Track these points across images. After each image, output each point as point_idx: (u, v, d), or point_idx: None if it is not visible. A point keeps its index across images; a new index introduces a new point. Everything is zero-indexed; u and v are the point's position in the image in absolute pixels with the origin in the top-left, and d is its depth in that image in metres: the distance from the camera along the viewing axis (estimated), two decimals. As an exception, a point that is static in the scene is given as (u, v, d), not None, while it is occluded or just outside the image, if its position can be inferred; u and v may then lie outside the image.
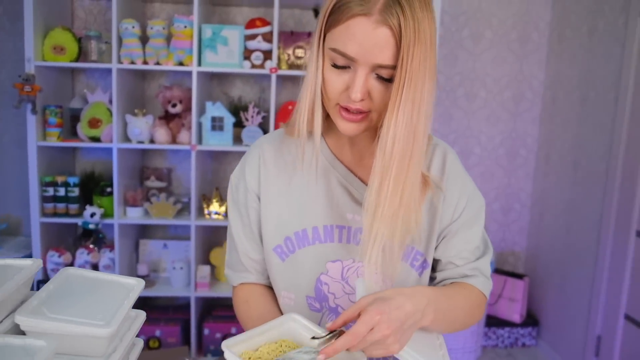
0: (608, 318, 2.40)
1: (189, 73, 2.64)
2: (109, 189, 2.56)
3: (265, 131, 2.57)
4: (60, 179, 2.48)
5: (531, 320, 2.99)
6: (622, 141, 2.31)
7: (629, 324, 2.28)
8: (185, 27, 2.41)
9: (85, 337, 0.69)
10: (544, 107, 3.05)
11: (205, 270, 2.60)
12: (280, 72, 2.47)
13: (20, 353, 0.61)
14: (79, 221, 2.49)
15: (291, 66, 2.59)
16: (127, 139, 2.53)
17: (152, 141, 2.52)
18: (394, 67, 0.71)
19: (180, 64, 2.45)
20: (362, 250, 0.80)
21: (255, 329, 0.74)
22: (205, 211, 2.58)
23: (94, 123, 2.47)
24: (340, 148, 0.89)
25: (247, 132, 2.52)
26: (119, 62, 2.41)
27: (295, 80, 2.83)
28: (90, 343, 0.70)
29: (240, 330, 2.60)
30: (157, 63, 2.45)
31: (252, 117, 2.55)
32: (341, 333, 0.69)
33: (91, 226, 2.48)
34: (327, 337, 0.70)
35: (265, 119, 2.61)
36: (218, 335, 2.63)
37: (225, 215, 2.59)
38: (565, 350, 2.71)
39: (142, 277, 2.58)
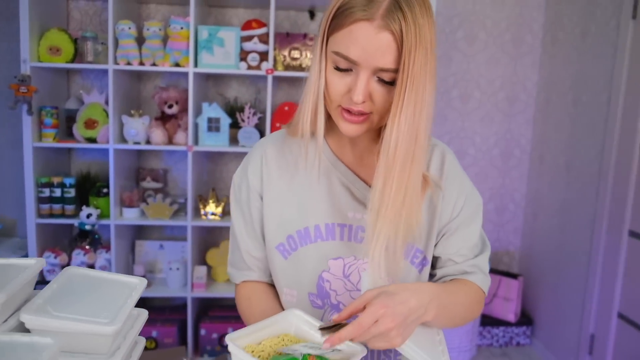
0: (601, 317, 2.42)
1: (185, 74, 2.65)
2: (105, 190, 2.56)
3: (261, 132, 2.58)
4: (56, 180, 2.48)
5: (525, 319, 3.02)
6: (614, 142, 2.34)
7: (622, 322, 2.31)
8: (182, 28, 2.42)
9: (90, 335, 0.70)
10: (537, 108, 3.08)
11: (201, 270, 2.60)
12: (277, 73, 2.48)
13: (27, 350, 0.62)
14: (75, 222, 2.49)
15: (287, 67, 2.60)
16: (123, 139, 2.53)
17: (148, 142, 2.53)
18: (395, 71, 0.73)
19: (177, 65, 2.46)
20: (366, 248, 0.82)
21: (258, 324, 0.75)
22: (202, 212, 2.59)
23: (90, 124, 2.47)
24: (341, 148, 0.91)
25: (243, 133, 2.53)
26: (115, 63, 2.42)
27: (291, 82, 2.84)
28: (95, 341, 0.71)
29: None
30: (154, 64, 2.46)
31: (248, 118, 2.56)
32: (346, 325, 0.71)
33: (87, 227, 2.48)
34: (333, 328, 0.71)
35: (262, 120, 2.62)
36: (215, 335, 2.64)
37: (222, 215, 2.60)
38: (559, 348, 2.74)
39: (139, 277, 2.58)
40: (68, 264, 2.54)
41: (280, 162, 0.92)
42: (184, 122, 2.55)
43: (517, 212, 3.22)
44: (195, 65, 2.45)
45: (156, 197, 2.58)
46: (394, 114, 0.74)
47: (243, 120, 2.56)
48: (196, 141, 2.54)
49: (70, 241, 2.73)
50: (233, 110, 2.65)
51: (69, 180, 2.50)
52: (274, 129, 2.55)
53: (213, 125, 2.52)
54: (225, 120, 2.52)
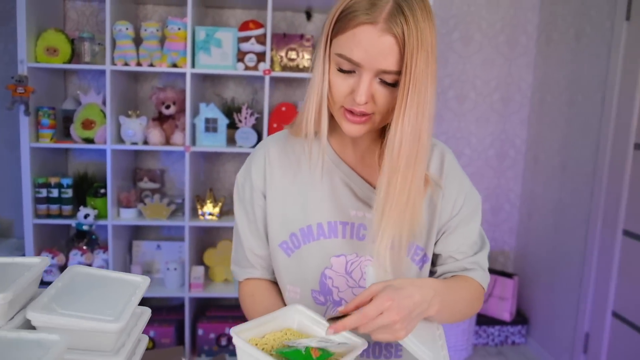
0: (596, 315, 2.45)
1: (182, 75, 2.66)
2: (102, 190, 2.57)
3: (259, 132, 2.59)
4: (53, 181, 2.48)
5: (521, 318, 3.04)
6: (608, 142, 2.37)
7: (617, 320, 2.33)
8: (179, 29, 2.42)
9: (96, 332, 0.71)
10: (532, 109, 3.11)
11: (199, 270, 2.61)
12: (274, 73, 2.49)
13: (35, 347, 0.62)
14: (72, 222, 2.49)
15: (284, 68, 2.61)
16: (120, 140, 2.54)
17: (145, 142, 2.53)
18: (396, 73, 0.75)
19: (174, 65, 2.46)
20: (370, 246, 0.84)
21: (261, 318, 0.77)
22: (199, 212, 2.59)
23: (87, 124, 2.48)
24: (343, 148, 0.93)
25: (240, 133, 2.54)
26: (113, 63, 2.42)
27: (288, 82, 2.85)
28: (100, 338, 0.72)
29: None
30: (151, 65, 2.46)
31: (246, 118, 2.57)
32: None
33: (85, 227, 2.48)
34: (339, 319, 0.73)
35: (259, 120, 2.63)
36: (212, 335, 2.65)
37: (219, 216, 2.61)
38: (554, 347, 2.76)
39: (136, 278, 2.59)
40: (65, 265, 2.54)
41: (283, 161, 0.94)
42: (181, 123, 2.56)
43: (512, 212, 3.24)
44: (193, 65, 2.46)
45: (153, 197, 2.59)
46: (398, 115, 0.76)
47: (240, 121, 2.57)
48: (193, 142, 2.55)
49: (67, 242, 2.72)
50: (230, 111, 2.66)
51: (66, 181, 2.50)
52: (271, 129, 2.56)
53: (210, 125, 2.53)
54: (223, 121, 2.53)
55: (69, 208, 2.52)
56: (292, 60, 2.62)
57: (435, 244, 0.93)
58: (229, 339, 2.67)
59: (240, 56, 2.49)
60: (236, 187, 0.99)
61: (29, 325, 0.71)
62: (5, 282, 0.71)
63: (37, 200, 2.47)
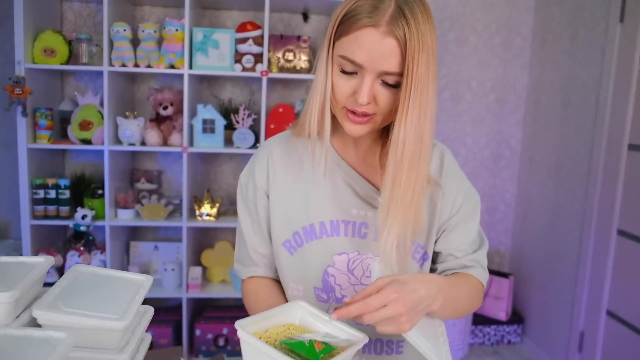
0: (590, 314, 2.47)
1: (179, 76, 2.67)
2: (99, 191, 2.57)
3: (256, 133, 2.60)
4: (50, 182, 2.48)
5: (516, 317, 3.06)
6: (602, 143, 2.39)
7: (611, 319, 2.36)
8: (177, 30, 2.43)
9: (101, 330, 0.72)
10: (527, 110, 3.13)
11: (196, 271, 2.62)
12: (271, 75, 2.50)
13: (42, 344, 0.63)
14: (70, 223, 2.49)
15: (281, 69, 2.62)
16: (118, 141, 2.54)
17: (143, 143, 2.54)
18: (398, 74, 0.77)
19: (172, 66, 2.47)
20: (376, 244, 0.86)
21: (265, 312, 0.78)
22: (197, 213, 2.60)
23: (85, 125, 2.48)
24: (344, 148, 0.94)
25: (238, 134, 2.55)
26: (110, 64, 2.43)
27: (285, 83, 2.87)
28: (105, 336, 0.73)
29: (232, 332, 2.61)
30: (149, 66, 2.47)
31: (243, 119, 2.58)
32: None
33: (82, 228, 2.49)
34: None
35: (256, 121, 2.64)
36: (210, 336, 2.65)
37: (217, 216, 2.62)
38: (550, 346, 2.78)
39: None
40: (63, 266, 2.54)
41: (285, 161, 0.95)
42: (178, 124, 2.56)
43: (508, 212, 3.27)
44: (190, 67, 2.47)
45: (151, 198, 2.60)
46: (400, 116, 0.78)
47: (237, 122, 2.58)
48: (191, 142, 2.56)
49: (65, 243, 2.72)
50: (227, 112, 2.67)
51: (63, 182, 2.50)
52: (268, 130, 2.57)
53: (208, 126, 2.53)
54: (220, 122, 2.54)
55: (67, 209, 2.52)
56: (289, 61, 2.64)
57: (435, 242, 0.95)
58: (227, 339, 2.68)
59: (238, 57, 2.50)
60: (239, 187, 1.01)
61: (34, 324, 0.72)
62: (11, 280, 0.72)
63: (35, 201, 2.47)
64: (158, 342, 2.59)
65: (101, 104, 2.54)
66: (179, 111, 2.58)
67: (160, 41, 2.49)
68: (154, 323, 2.61)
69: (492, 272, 3.11)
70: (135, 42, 2.48)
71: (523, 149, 3.17)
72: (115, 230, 2.58)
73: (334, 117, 0.87)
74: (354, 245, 0.92)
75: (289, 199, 0.94)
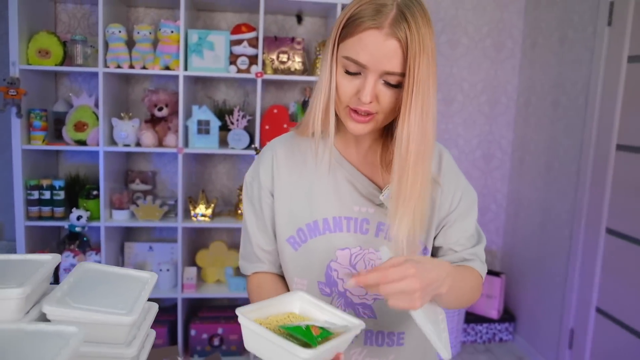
0: (580, 311, 2.52)
1: (173, 77, 2.68)
2: (94, 192, 2.57)
3: (251, 134, 2.62)
4: (45, 183, 2.49)
5: (508, 316, 3.10)
6: (591, 143, 2.44)
7: (600, 316, 2.40)
8: (172, 32, 2.45)
9: (109, 325, 0.74)
10: (518, 111, 3.18)
11: (191, 271, 2.63)
12: (266, 76, 2.52)
13: (54, 338, 0.65)
14: (64, 224, 2.49)
15: (275, 71, 2.64)
16: (112, 142, 2.55)
17: (138, 144, 2.55)
18: (400, 74, 0.81)
19: (167, 68, 2.48)
20: (379, 239, 0.90)
21: (266, 301, 0.81)
22: (192, 213, 2.61)
23: (79, 126, 2.49)
24: (346, 147, 0.98)
25: (233, 135, 2.57)
26: (106, 66, 2.44)
27: (279, 85, 2.89)
28: (113, 331, 0.75)
29: (227, 332, 2.62)
30: (144, 67, 2.48)
31: (238, 120, 2.60)
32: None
33: (78, 229, 2.49)
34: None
35: (251, 122, 2.66)
36: (205, 336, 2.67)
37: (211, 217, 2.63)
38: (541, 343, 2.83)
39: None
40: (58, 267, 2.54)
41: (289, 161, 0.99)
42: (173, 125, 2.58)
43: (499, 212, 3.31)
44: (185, 68, 2.48)
45: (146, 199, 2.61)
46: (404, 114, 0.81)
47: (232, 123, 2.60)
48: (186, 143, 2.57)
49: (59, 244, 2.73)
50: (222, 113, 2.69)
51: (58, 183, 2.50)
52: (263, 131, 2.59)
53: (203, 127, 2.55)
54: (215, 123, 2.56)
55: (61, 210, 2.53)
56: (283, 63, 2.66)
57: (435, 237, 0.98)
58: (222, 339, 2.69)
59: (233, 59, 2.52)
60: (245, 186, 1.04)
61: (43, 319, 0.74)
62: (21, 277, 0.74)
63: (29, 203, 2.47)
64: (154, 342, 2.59)
65: (96, 105, 2.55)
66: (174, 112, 2.60)
67: (155, 43, 2.51)
68: (149, 323, 2.61)
69: (484, 271, 3.14)
70: (130, 43, 2.49)
71: (514, 150, 3.21)
72: (110, 231, 2.58)
73: (336, 117, 0.90)
74: (356, 241, 0.95)
75: (293, 196, 0.97)
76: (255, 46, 2.52)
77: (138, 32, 2.47)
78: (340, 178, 0.96)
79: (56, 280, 2.36)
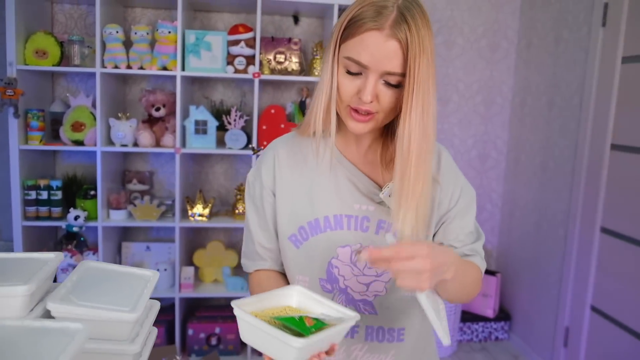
0: (575, 310, 2.54)
1: (170, 77, 2.69)
2: (92, 192, 2.58)
3: (248, 134, 2.63)
4: (42, 183, 2.49)
5: (503, 314, 3.13)
6: (586, 143, 2.46)
7: (595, 314, 2.42)
8: (169, 32, 2.45)
9: (113, 322, 0.75)
10: (513, 111, 3.20)
11: (189, 271, 2.64)
12: (263, 76, 2.53)
13: (59, 334, 0.66)
14: (62, 224, 2.50)
15: (272, 71, 2.66)
16: (110, 142, 2.56)
17: (135, 145, 2.55)
18: (400, 75, 0.83)
19: (164, 68, 2.49)
20: (379, 236, 0.92)
21: (262, 294, 0.82)
22: (189, 213, 2.62)
23: (77, 127, 2.49)
24: (346, 147, 1.00)
25: (230, 135, 2.58)
26: (103, 66, 2.44)
27: (276, 85, 2.90)
28: (117, 327, 0.76)
29: (224, 331, 2.63)
30: (141, 67, 2.49)
31: (235, 120, 2.61)
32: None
33: (75, 229, 2.49)
34: None
35: (248, 122, 2.67)
36: (202, 335, 2.67)
37: (209, 217, 2.64)
38: (536, 342, 2.85)
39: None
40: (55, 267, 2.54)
41: (291, 160, 1.00)
42: (171, 125, 2.58)
43: (494, 211, 3.33)
44: (183, 68, 2.49)
45: (143, 199, 2.61)
46: (405, 114, 0.84)
47: (229, 123, 2.61)
48: (184, 143, 2.58)
49: (56, 244, 2.72)
50: (219, 113, 2.70)
51: (55, 183, 2.51)
52: (260, 131, 2.60)
53: (200, 127, 2.56)
54: (212, 123, 2.56)
55: (58, 210, 2.53)
56: (280, 63, 2.67)
57: (434, 235, 1.00)
58: (219, 338, 2.70)
59: (230, 59, 2.52)
60: (247, 185, 1.06)
61: (48, 316, 0.75)
62: (25, 275, 0.75)
63: (26, 203, 2.47)
64: (151, 342, 2.59)
65: (93, 105, 2.55)
66: (171, 112, 2.60)
67: (152, 43, 2.51)
68: (146, 323, 2.62)
69: (480, 270, 3.16)
70: (127, 44, 2.49)
71: (509, 150, 3.23)
72: (107, 231, 2.59)
73: (337, 117, 0.91)
74: (356, 238, 0.96)
75: (295, 195, 0.99)
76: (253, 46, 2.53)
77: (136, 33, 2.47)
78: (341, 176, 0.98)
79: (54, 279, 2.36)
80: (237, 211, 2.69)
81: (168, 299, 2.76)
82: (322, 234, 0.97)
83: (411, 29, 0.80)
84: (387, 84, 0.85)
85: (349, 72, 0.86)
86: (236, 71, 2.52)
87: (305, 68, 2.77)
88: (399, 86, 0.84)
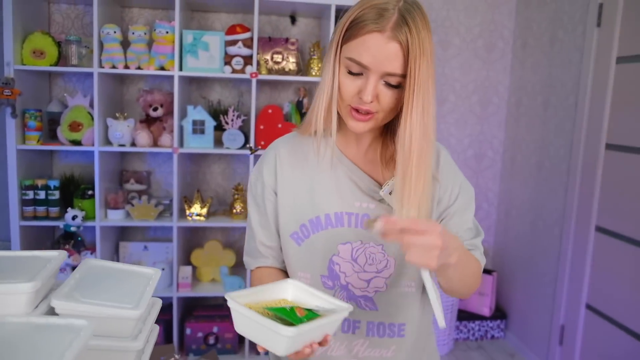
0: (570, 308, 2.56)
1: (167, 77, 2.70)
2: (89, 192, 2.58)
3: (245, 134, 2.63)
4: (40, 182, 2.49)
5: (499, 313, 3.14)
6: (581, 142, 2.48)
7: (590, 312, 2.44)
8: (167, 32, 2.46)
9: (116, 319, 0.76)
10: (509, 111, 3.22)
11: (187, 270, 2.64)
12: (260, 77, 2.54)
13: (64, 331, 0.67)
14: (60, 224, 2.50)
15: (270, 71, 2.66)
16: (107, 142, 2.56)
17: (133, 144, 2.56)
18: (400, 76, 0.85)
19: (162, 68, 2.50)
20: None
21: (257, 287, 0.84)
22: (187, 213, 2.63)
23: (74, 126, 2.49)
24: (346, 146, 1.01)
25: (228, 135, 2.59)
26: (101, 66, 2.44)
27: (273, 85, 2.91)
28: (120, 324, 0.77)
29: (222, 330, 2.65)
30: (139, 67, 2.49)
31: (232, 120, 2.61)
32: None
33: (73, 228, 2.50)
34: None
35: (245, 122, 2.68)
36: (200, 334, 2.68)
37: (206, 216, 2.65)
38: (532, 340, 2.87)
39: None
40: (52, 266, 2.54)
41: (292, 159, 1.02)
42: (168, 125, 2.59)
43: (491, 210, 3.35)
44: (181, 68, 2.50)
45: (141, 198, 2.62)
46: (405, 114, 0.85)
47: (227, 123, 2.62)
48: (181, 143, 2.58)
49: (53, 243, 2.73)
50: (216, 113, 2.70)
51: (53, 183, 2.51)
52: (258, 131, 2.61)
53: (198, 127, 2.57)
54: (210, 123, 2.57)
55: (56, 210, 2.53)
56: (277, 63, 2.68)
57: None
58: (217, 337, 2.71)
59: (227, 59, 2.53)
60: (249, 185, 1.08)
61: (52, 313, 0.76)
62: (30, 273, 0.76)
63: (24, 202, 2.47)
64: (149, 342, 2.60)
65: (91, 105, 2.56)
66: (169, 112, 2.61)
67: (150, 43, 2.52)
68: (144, 322, 2.62)
69: (476, 269, 3.18)
70: (125, 44, 2.50)
71: (505, 149, 3.25)
72: (105, 231, 2.59)
73: (337, 116, 0.93)
74: (357, 235, 0.98)
75: (296, 193, 1.00)
76: (250, 47, 2.54)
77: (133, 33, 2.48)
78: (342, 175, 0.99)
79: (51, 280, 2.37)
80: (234, 211, 2.70)
81: (166, 298, 2.75)
82: (323, 232, 0.98)
83: (412, 32, 0.82)
84: (388, 84, 0.86)
85: (350, 73, 0.87)
86: (233, 71, 2.53)
87: (303, 68, 2.78)
88: (398, 87, 0.86)
